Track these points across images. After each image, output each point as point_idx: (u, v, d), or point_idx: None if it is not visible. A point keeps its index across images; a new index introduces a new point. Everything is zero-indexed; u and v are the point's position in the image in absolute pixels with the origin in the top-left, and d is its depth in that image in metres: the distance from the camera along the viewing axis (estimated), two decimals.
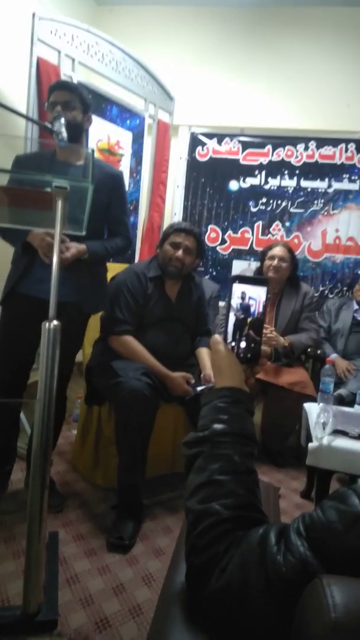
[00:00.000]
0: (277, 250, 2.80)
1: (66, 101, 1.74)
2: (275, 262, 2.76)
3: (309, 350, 2.85)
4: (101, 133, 2.86)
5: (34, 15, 2.33)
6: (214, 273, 3.57)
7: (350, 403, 2.26)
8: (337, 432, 1.77)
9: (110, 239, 1.95)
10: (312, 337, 2.79)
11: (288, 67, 3.76)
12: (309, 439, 1.81)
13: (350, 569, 0.47)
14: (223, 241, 3.57)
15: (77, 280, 1.80)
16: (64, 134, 1.55)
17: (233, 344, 0.75)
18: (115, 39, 2.84)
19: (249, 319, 0.76)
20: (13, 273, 1.82)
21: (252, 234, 3.52)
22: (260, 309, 0.76)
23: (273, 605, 0.51)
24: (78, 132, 1.80)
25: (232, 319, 0.76)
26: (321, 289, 3.44)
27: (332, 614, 0.40)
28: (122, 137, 3.01)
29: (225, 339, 0.75)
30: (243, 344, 0.76)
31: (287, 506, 2.15)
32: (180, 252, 2.09)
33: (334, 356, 2.85)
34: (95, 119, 2.78)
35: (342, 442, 1.72)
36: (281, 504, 2.14)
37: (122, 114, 3.00)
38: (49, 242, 1.62)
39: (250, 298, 0.76)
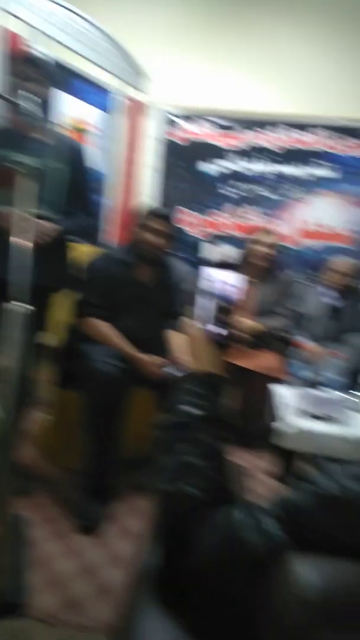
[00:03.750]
0: (266, 238, 2.82)
1: (32, 76, 1.67)
2: (266, 250, 2.78)
3: (280, 334, 2.89)
4: (69, 109, 2.76)
5: None
6: (187, 257, 3.54)
7: (319, 386, 2.31)
8: (303, 414, 1.81)
9: (73, 217, 1.89)
10: (284, 322, 2.84)
11: (265, 49, 3.72)
12: (279, 420, 1.84)
13: (319, 547, 0.48)
14: (198, 225, 3.54)
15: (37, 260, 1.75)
16: (31, 109, 1.48)
17: (207, 328, 0.75)
18: (88, 15, 2.73)
19: (223, 304, 0.76)
20: None
21: (226, 219, 3.51)
22: (235, 294, 0.76)
23: (243, 582, 0.52)
24: (44, 108, 1.72)
25: (206, 303, 0.76)
26: (295, 274, 3.47)
27: (301, 591, 0.41)
28: (92, 115, 2.92)
29: (199, 323, 0.75)
30: (217, 329, 0.76)
31: (255, 486, 2.20)
32: (158, 239, 2.07)
33: (304, 340, 2.90)
34: (65, 96, 2.70)
35: (309, 424, 1.76)
36: (250, 483, 2.19)
37: (94, 92, 2.90)
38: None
39: (224, 283, 0.76)
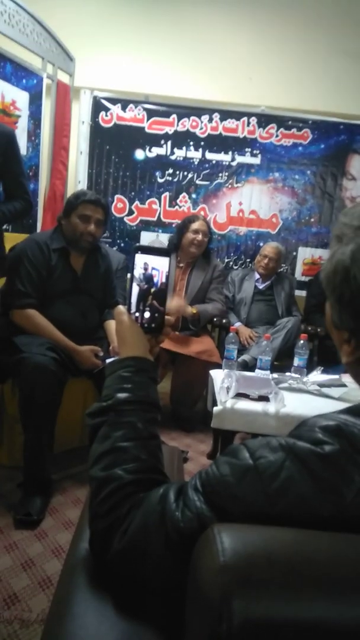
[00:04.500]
0: (199, 225, 2.85)
1: None
2: (200, 236, 2.82)
3: (215, 319, 2.96)
4: None
5: None
6: (122, 244, 3.52)
7: (253, 368, 2.40)
8: (239, 395, 1.87)
9: (8, 202, 1.83)
10: (218, 307, 2.90)
11: (193, 36, 3.73)
12: (215, 403, 1.90)
13: (242, 518, 0.51)
14: (130, 212, 3.52)
15: None
16: None
17: (137, 314, 0.76)
18: None
19: (152, 289, 0.76)
20: None
21: (160, 205, 3.52)
22: (164, 279, 0.77)
23: (172, 559, 0.54)
24: None
25: (135, 289, 0.76)
26: (226, 260, 3.56)
27: (221, 558, 0.43)
28: (18, 97, 2.80)
29: (129, 309, 0.76)
30: (147, 314, 0.77)
31: (195, 468, 2.26)
32: (92, 227, 2.01)
33: (237, 324, 2.99)
34: None
35: (243, 405, 1.83)
36: (189, 466, 2.24)
37: (18, 72, 2.78)
38: None
39: (153, 268, 0.77)
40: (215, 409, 1.81)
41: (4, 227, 2.84)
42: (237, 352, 2.28)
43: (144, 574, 0.56)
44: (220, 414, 1.80)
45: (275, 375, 2.17)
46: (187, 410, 2.76)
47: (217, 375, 2.12)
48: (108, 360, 2.01)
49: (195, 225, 2.85)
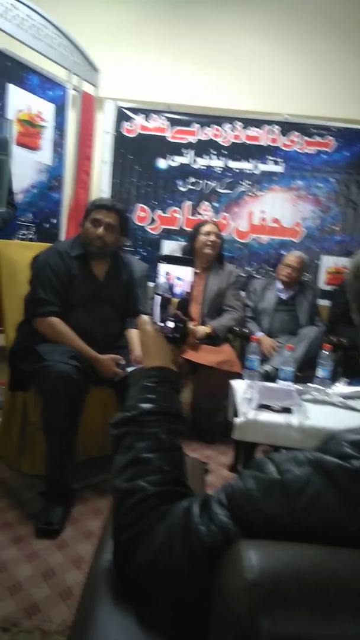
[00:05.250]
0: (210, 227, 2.90)
1: None
2: (212, 237, 2.85)
3: (235, 329, 2.94)
4: (21, 103, 2.70)
5: None
6: (144, 253, 3.54)
7: (275, 378, 2.37)
8: (261, 407, 1.84)
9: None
10: (233, 317, 2.89)
11: (216, 46, 3.76)
12: (236, 414, 1.87)
13: (267, 533, 0.50)
14: (152, 221, 3.54)
15: None
16: None
17: (161, 324, 0.76)
18: (37, 5, 2.67)
19: (176, 299, 0.76)
20: None
21: (182, 214, 3.53)
22: (187, 289, 0.76)
23: (197, 573, 0.53)
24: None
25: (158, 299, 0.76)
26: (248, 269, 3.54)
27: (249, 575, 0.42)
28: (43, 108, 2.86)
29: (152, 319, 0.75)
30: (170, 324, 0.76)
31: (216, 480, 2.23)
32: (100, 230, 2.01)
33: (259, 334, 2.96)
34: (15, 89, 2.64)
35: (265, 416, 1.80)
36: (210, 478, 2.22)
37: (44, 84, 2.85)
38: None
39: (176, 278, 0.76)
40: (236, 420, 1.79)
41: (30, 236, 2.90)
42: (258, 362, 2.25)
43: (168, 587, 0.55)
44: (241, 425, 1.78)
45: (298, 386, 2.14)
46: (207, 421, 2.74)
47: (239, 386, 2.10)
48: (129, 369, 2.00)
49: (206, 228, 2.89)
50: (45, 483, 1.82)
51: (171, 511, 0.58)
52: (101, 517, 1.83)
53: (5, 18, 2.48)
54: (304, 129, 3.43)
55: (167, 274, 0.76)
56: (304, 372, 2.64)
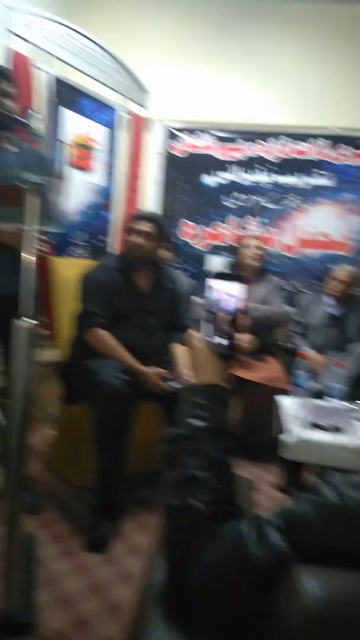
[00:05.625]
0: (253, 241, 2.96)
1: (4, 90, 1.69)
2: (256, 250, 2.90)
3: (281, 344, 2.91)
4: (75, 127, 2.82)
5: (6, 7, 2.28)
6: (189, 268, 3.56)
7: (323, 396, 2.30)
8: (309, 425, 1.80)
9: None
10: (274, 309, 2.89)
11: (262, 62, 3.77)
12: (283, 432, 1.83)
13: (323, 558, 0.48)
14: (198, 236, 3.57)
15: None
16: (38, 127, 1.52)
17: (210, 339, 0.76)
18: (89, 32, 2.80)
19: (226, 315, 0.76)
20: None
21: (227, 229, 3.54)
22: (238, 305, 0.76)
23: (250, 597, 0.52)
24: (14, 120, 1.71)
25: (208, 314, 0.76)
26: (295, 284, 3.49)
27: (306, 602, 0.41)
28: (96, 131, 2.97)
29: (203, 335, 0.76)
30: (220, 340, 0.76)
31: (263, 499, 2.18)
32: (139, 239, 2.06)
33: (307, 350, 2.90)
34: (69, 113, 2.76)
35: (314, 435, 1.75)
36: (256, 496, 2.17)
37: (97, 108, 2.96)
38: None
39: (226, 294, 0.76)
40: (284, 438, 1.75)
41: (82, 253, 3.00)
42: (307, 379, 2.20)
43: (220, 609, 0.55)
44: (289, 444, 1.74)
45: (348, 404, 2.06)
46: (253, 437, 2.68)
47: (286, 403, 2.06)
48: (175, 384, 2.01)
49: (249, 241, 2.97)
50: (94, 497, 1.84)
51: (223, 532, 0.57)
52: (148, 533, 1.83)
53: (61, 47, 2.62)
54: (353, 142, 3.37)
55: (217, 290, 0.76)
56: (355, 390, 2.55)
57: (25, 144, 1.87)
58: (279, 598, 0.45)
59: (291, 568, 0.46)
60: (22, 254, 1.59)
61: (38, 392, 1.98)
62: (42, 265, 2.31)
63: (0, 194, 1.25)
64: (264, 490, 2.28)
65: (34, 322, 1.17)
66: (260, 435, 2.70)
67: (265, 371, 2.61)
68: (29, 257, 1.19)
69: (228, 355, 0.76)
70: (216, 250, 3.56)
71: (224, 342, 0.76)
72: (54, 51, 2.56)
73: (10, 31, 2.30)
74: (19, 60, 2.33)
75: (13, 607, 1.15)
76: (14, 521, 1.13)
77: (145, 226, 2.07)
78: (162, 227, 2.16)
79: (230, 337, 0.76)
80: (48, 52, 2.53)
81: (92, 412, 1.85)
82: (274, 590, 0.47)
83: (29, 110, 1.58)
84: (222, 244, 3.54)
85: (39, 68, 2.49)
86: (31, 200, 1.18)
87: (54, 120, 2.68)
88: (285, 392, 2.30)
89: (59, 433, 2.25)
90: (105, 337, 1.99)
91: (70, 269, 2.41)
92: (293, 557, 0.50)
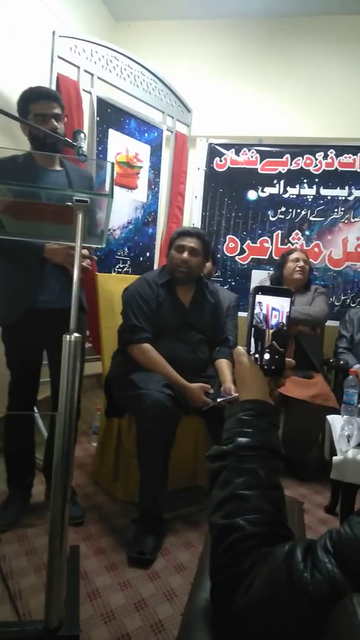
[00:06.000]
0: (298, 254, 2.91)
1: (55, 113, 1.76)
2: (300, 263, 2.86)
3: (331, 360, 2.81)
4: (120, 146, 2.90)
5: (54, 33, 2.40)
6: (233, 283, 3.55)
7: None
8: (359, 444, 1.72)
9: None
10: (315, 309, 2.79)
11: (305, 76, 3.76)
12: (333, 452, 1.77)
13: None
14: (242, 251, 3.55)
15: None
16: (85, 148, 1.57)
17: (257, 355, 0.74)
18: (133, 54, 2.90)
19: (273, 330, 0.74)
20: (22, 290, 1.77)
21: (272, 244, 3.50)
22: (283, 320, 0.74)
23: (300, 624, 0.49)
24: (63, 142, 1.73)
25: (254, 330, 0.74)
26: (343, 297, 3.40)
27: None
28: (140, 150, 3.05)
29: (248, 350, 0.74)
30: (267, 356, 0.74)
31: (312, 521, 2.10)
32: (185, 255, 2.08)
33: (357, 367, 2.80)
34: (114, 133, 2.85)
35: None
36: (305, 519, 2.09)
37: (141, 127, 3.04)
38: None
39: (273, 309, 0.75)
40: (335, 459, 1.69)
41: (126, 269, 3.05)
42: (357, 397, 2.11)
43: (267, 634, 0.52)
44: (340, 464, 1.67)
45: None
46: (301, 457, 2.61)
47: (336, 422, 1.98)
48: (219, 400, 1.98)
49: (294, 255, 2.91)
50: (138, 510, 1.84)
51: (272, 555, 0.55)
52: (192, 550, 1.80)
53: (107, 69, 2.72)
54: None
55: (265, 305, 0.75)
56: None
57: (73, 164, 1.94)
58: (332, 627, 0.42)
59: (345, 596, 0.43)
60: (71, 270, 1.65)
61: (82, 404, 2.01)
62: (88, 280, 2.37)
63: (52, 212, 1.30)
64: (313, 512, 2.20)
65: (81, 335, 1.19)
66: (308, 455, 2.62)
67: (312, 389, 2.53)
68: (77, 273, 1.22)
69: (274, 370, 0.74)
70: (261, 264, 3.53)
71: (269, 357, 0.74)
72: (99, 73, 2.67)
73: (59, 57, 2.42)
74: (67, 84, 2.44)
75: (56, 620, 1.15)
76: (59, 533, 1.14)
77: (190, 242, 2.10)
78: (207, 242, 2.18)
79: (277, 353, 0.74)
80: (93, 75, 2.64)
81: (137, 426, 1.86)
82: (326, 617, 0.44)
83: (77, 131, 1.63)
84: (267, 258, 3.51)
85: (85, 90, 2.59)
86: (79, 218, 1.21)
87: (100, 140, 2.77)
88: (334, 411, 2.22)
89: (101, 445, 2.28)
90: (149, 351, 2.00)
91: (115, 285, 2.46)
92: (346, 583, 0.48)
